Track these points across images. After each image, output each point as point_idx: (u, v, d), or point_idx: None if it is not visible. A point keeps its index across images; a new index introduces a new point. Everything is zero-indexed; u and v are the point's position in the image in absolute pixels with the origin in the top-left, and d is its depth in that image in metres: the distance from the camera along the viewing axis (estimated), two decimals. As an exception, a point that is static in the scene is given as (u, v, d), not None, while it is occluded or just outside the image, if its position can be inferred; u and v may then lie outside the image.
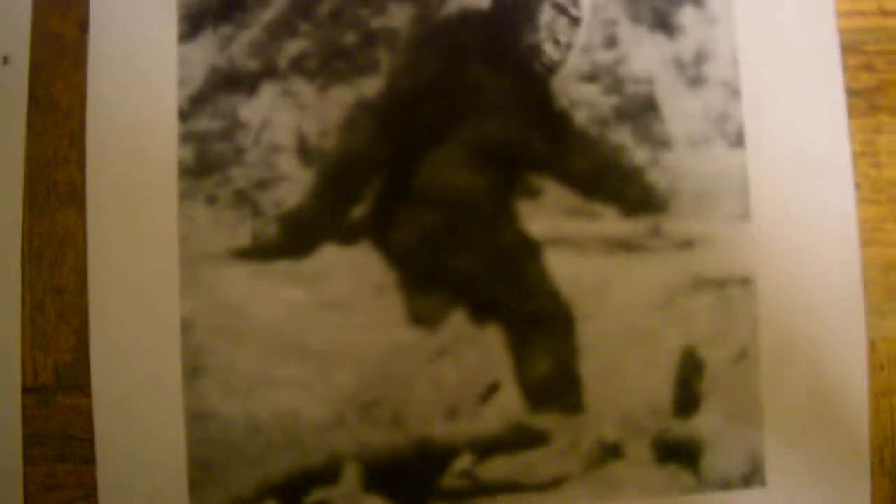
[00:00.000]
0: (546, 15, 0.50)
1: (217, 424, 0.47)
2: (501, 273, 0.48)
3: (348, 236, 0.48)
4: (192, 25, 0.50)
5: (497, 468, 0.47)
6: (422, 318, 0.48)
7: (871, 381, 0.48)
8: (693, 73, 0.50)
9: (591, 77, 0.50)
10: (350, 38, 0.50)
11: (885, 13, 0.51)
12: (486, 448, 0.47)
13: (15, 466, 0.46)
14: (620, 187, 0.49)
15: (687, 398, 0.48)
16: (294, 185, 0.49)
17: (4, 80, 0.50)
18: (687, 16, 0.50)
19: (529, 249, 0.48)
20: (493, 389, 0.48)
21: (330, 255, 0.48)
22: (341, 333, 0.48)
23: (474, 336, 0.48)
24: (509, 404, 0.48)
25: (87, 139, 0.49)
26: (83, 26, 0.50)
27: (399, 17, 0.50)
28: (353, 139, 0.49)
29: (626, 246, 0.48)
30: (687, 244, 0.48)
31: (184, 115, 0.49)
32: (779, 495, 0.48)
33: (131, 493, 0.47)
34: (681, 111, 0.50)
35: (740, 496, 0.48)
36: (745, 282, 0.48)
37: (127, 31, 0.50)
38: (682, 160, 0.49)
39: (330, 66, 0.50)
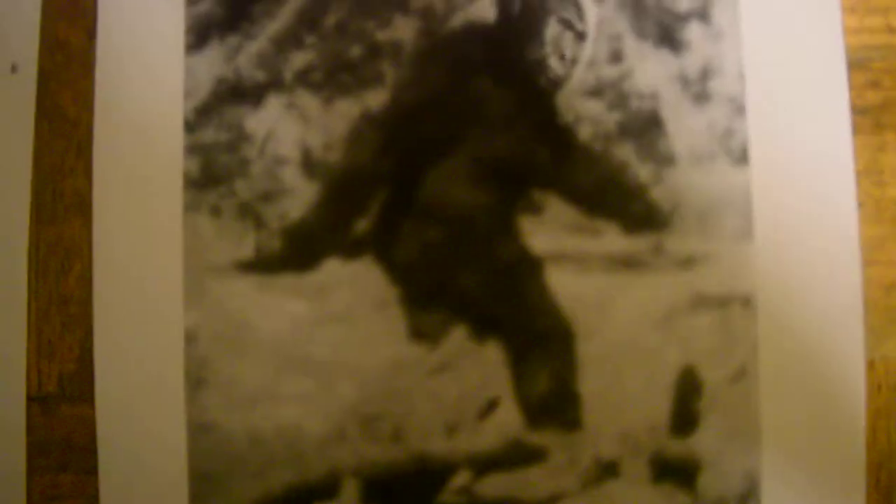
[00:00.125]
0: (552, 29, 0.49)
1: (219, 436, 0.46)
2: (502, 289, 0.47)
3: (351, 250, 0.47)
4: (199, 36, 0.49)
5: (495, 485, 0.46)
6: (423, 334, 0.47)
7: (868, 401, 0.47)
8: (698, 88, 0.49)
9: (595, 92, 0.48)
10: (355, 50, 0.49)
11: (892, 30, 0.49)
12: (485, 464, 0.46)
13: (18, 476, 0.46)
14: (623, 204, 0.47)
15: (685, 417, 0.47)
16: (298, 198, 0.48)
17: (12, 89, 0.49)
18: (693, 31, 0.49)
19: (531, 266, 0.47)
20: (492, 405, 0.47)
21: (333, 269, 0.47)
22: (343, 347, 0.47)
23: (474, 352, 0.47)
24: (508, 420, 0.47)
25: (94, 149, 0.48)
26: (91, 35, 0.50)
27: (404, 31, 0.49)
28: (357, 152, 0.48)
29: (628, 263, 0.47)
30: (688, 262, 0.47)
31: (190, 127, 0.48)
32: (775, 514, 0.47)
33: None
34: (685, 127, 0.48)
35: (737, 515, 0.47)
36: (746, 300, 0.47)
37: (135, 41, 0.49)
38: (686, 177, 0.48)
39: (335, 78, 0.49)
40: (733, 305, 0.47)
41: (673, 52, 0.49)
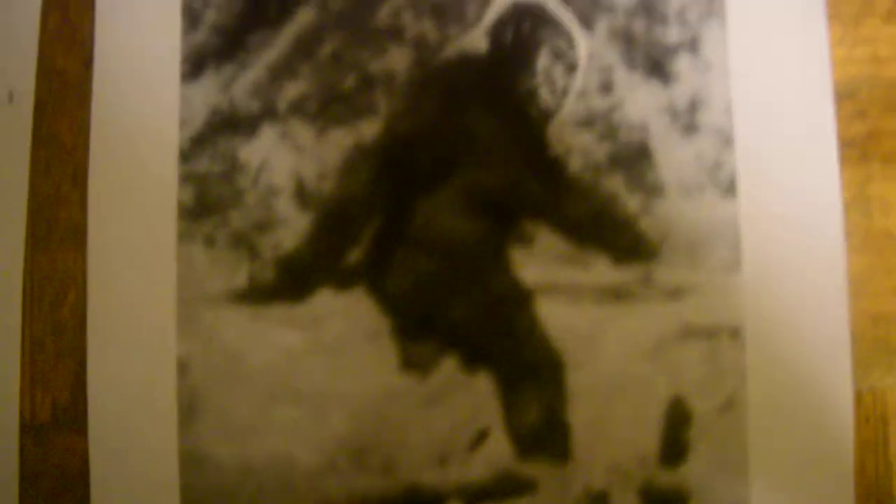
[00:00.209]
0: (543, 60, 0.49)
1: (211, 467, 0.46)
2: (493, 320, 0.47)
3: (344, 281, 0.47)
4: (194, 65, 0.49)
5: (485, 516, 0.46)
6: (414, 364, 0.46)
7: (856, 432, 0.46)
8: (687, 120, 0.48)
9: (586, 123, 0.48)
10: (349, 80, 0.49)
11: (880, 61, 0.49)
12: (475, 496, 0.46)
13: (11, 505, 0.45)
14: (613, 235, 0.47)
15: (674, 447, 0.46)
16: (291, 228, 0.47)
17: (9, 117, 0.49)
18: (682, 63, 0.49)
19: (521, 297, 0.47)
20: (482, 437, 0.46)
21: (325, 300, 0.47)
22: (335, 378, 0.47)
23: (465, 382, 0.47)
24: (498, 452, 0.46)
25: (90, 178, 0.48)
26: (88, 64, 0.49)
27: (398, 61, 0.49)
28: (350, 182, 0.48)
29: (617, 294, 0.47)
30: (677, 293, 0.47)
31: (184, 156, 0.48)
32: (763, 545, 0.46)
33: (126, 533, 0.46)
34: (674, 159, 0.48)
35: (725, 546, 0.46)
36: (735, 331, 0.47)
37: (131, 70, 0.49)
38: (675, 208, 0.47)
39: (329, 108, 0.48)
40: (722, 336, 0.47)
41: (662, 83, 0.49)
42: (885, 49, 0.50)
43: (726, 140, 0.49)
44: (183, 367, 0.47)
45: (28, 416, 0.47)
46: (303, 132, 0.49)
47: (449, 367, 0.47)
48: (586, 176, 0.48)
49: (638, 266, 0.48)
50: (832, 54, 0.49)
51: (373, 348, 0.47)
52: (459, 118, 0.49)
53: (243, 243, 0.48)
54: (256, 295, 0.47)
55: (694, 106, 0.49)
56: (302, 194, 0.48)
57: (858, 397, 0.47)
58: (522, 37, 0.49)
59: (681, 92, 0.49)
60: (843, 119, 0.49)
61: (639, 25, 0.49)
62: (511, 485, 0.47)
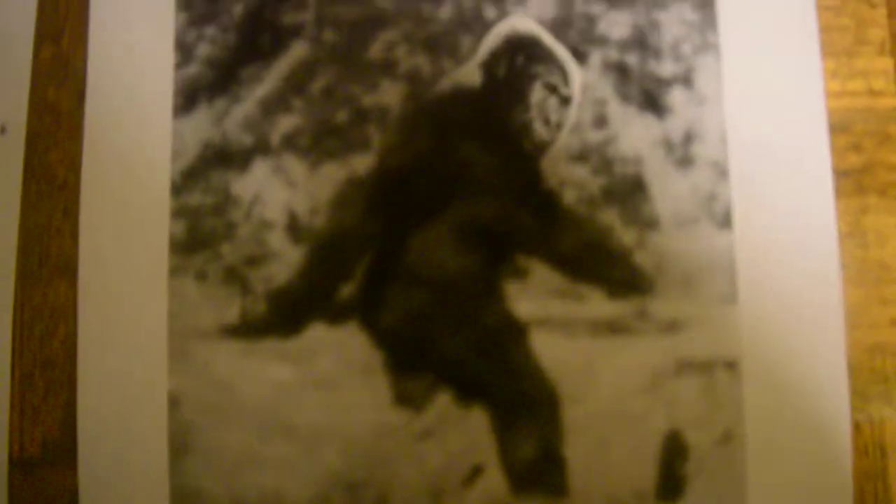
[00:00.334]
0: (537, 94, 0.54)
1: (202, 502, 0.50)
2: (487, 355, 0.51)
3: (336, 315, 0.51)
4: (187, 99, 0.54)
5: (480, 552, 0.50)
6: (407, 399, 0.51)
7: (855, 463, 0.50)
8: (681, 153, 0.53)
9: (580, 157, 0.53)
10: (342, 115, 0.53)
11: (873, 93, 0.54)
12: (469, 531, 0.50)
13: (-1, 542, 0.49)
14: (607, 269, 0.52)
15: (671, 481, 0.50)
16: (284, 263, 0.52)
17: (1, 150, 0.53)
18: (676, 96, 0.54)
19: (516, 331, 0.51)
20: (477, 472, 0.50)
21: (318, 334, 0.51)
22: (327, 413, 0.51)
23: (459, 418, 0.51)
24: (493, 487, 0.50)
25: (81, 211, 0.52)
26: (80, 98, 0.54)
27: (391, 95, 0.54)
28: (343, 216, 0.52)
29: (612, 328, 0.51)
30: (673, 326, 0.51)
31: (176, 190, 0.53)
32: (763, 580, 0.50)
33: (114, 570, 0.49)
34: (669, 192, 0.53)
35: (724, 581, 0.50)
36: (731, 364, 0.51)
37: (123, 104, 0.54)
38: (670, 241, 0.52)
39: (322, 142, 0.53)
40: (718, 369, 0.51)
41: (657, 116, 0.54)
42: (879, 82, 0.55)
43: (721, 172, 0.54)
44: (174, 402, 0.51)
45: (17, 450, 0.51)
46: (296, 166, 0.54)
47: (442, 401, 0.52)
48: (581, 209, 0.54)
49: (633, 299, 0.52)
50: (826, 87, 0.54)
51: (366, 383, 0.52)
52: (453, 152, 0.54)
53: (235, 277, 0.53)
54: (248, 329, 0.52)
55: (689, 139, 0.54)
56: (294, 228, 0.53)
57: (857, 428, 0.52)
58: (516, 70, 0.55)
59: (675, 125, 0.54)
60: (838, 151, 0.54)
61: (632, 59, 0.55)
62: (506, 520, 0.51)
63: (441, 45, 0.54)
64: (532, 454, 0.50)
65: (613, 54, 0.54)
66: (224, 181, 0.52)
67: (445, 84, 0.54)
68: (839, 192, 0.53)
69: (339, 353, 0.51)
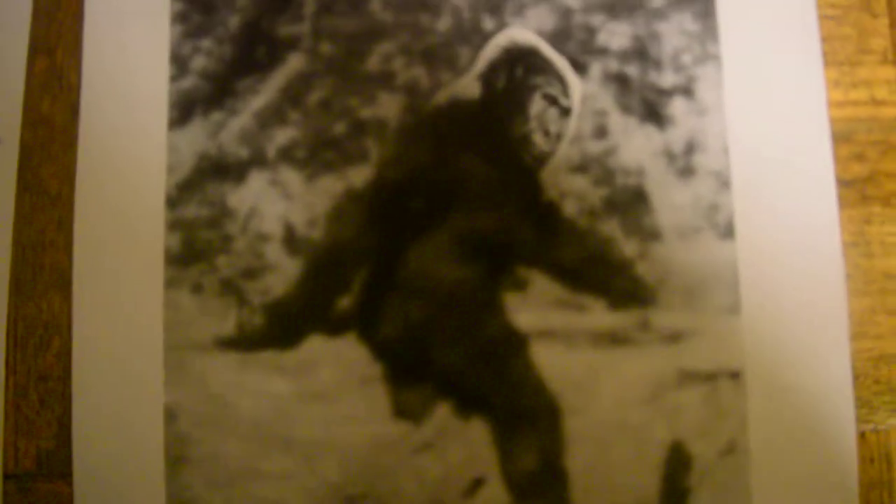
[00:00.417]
0: (536, 105, 0.58)
1: (199, 516, 0.54)
2: (487, 366, 0.55)
3: (334, 327, 0.56)
4: (182, 112, 0.58)
5: (481, 565, 0.54)
6: (407, 412, 0.55)
7: (861, 473, 0.54)
8: (683, 163, 0.58)
9: (580, 168, 0.57)
10: (339, 127, 0.58)
11: (876, 102, 0.59)
12: (470, 543, 0.54)
13: (-7, 555, 0.53)
14: (608, 279, 0.56)
15: (674, 493, 0.54)
16: (280, 275, 0.56)
17: None
18: (677, 106, 0.58)
19: (516, 342, 0.56)
20: (477, 484, 0.55)
21: (316, 347, 0.55)
22: (326, 426, 0.55)
23: (459, 430, 0.55)
24: (494, 499, 0.54)
25: (75, 224, 0.57)
26: (74, 110, 0.58)
27: (389, 107, 0.58)
28: (340, 229, 0.57)
29: (614, 339, 0.56)
30: (675, 337, 0.56)
31: (171, 202, 0.57)
32: None
33: (109, 587, 0.52)
34: (670, 202, 0.57)
35: None
36: (735, 374, 0.55)
37: (118, 116, 0.58)
38: (672, 252, 0.57)
39: (319, 155, 0.58)
40: (721, 380, 0.56)
41: (658, 127, 0.58)
42: (881, 91, 0.60)
43: (723, 183, 0.59)
44: (170, 415, 0.56)
45: (12, 464, 0.56)
46: (292, 179, 0.58)
47: (442, 413, 0.56)
48: (581, 221, 0.58)
49: (635, 310, 0.57)
50: (829, 96, 0.59)
51: (364, 395, 0.56)
52: (452, 164, 0.58)
53: (231, 290, 0.57)
54: (245, 342, 0.57)
55: (690, 149, 0.59)
56: (291, 241, 0.58)
57: (862, 438, 0.56)
58: (515, 82, 0.60)
59: (677, 135, 0.59)
60: (841, 161, 0.59)
61: (633, 70, 0.59)
62: (507, 533, 0.55)
63: (439, 57, 0.58)
64: (533, 466, 0.54)
65: (613, 65, 0.58)
66: (220, 194, 0.57)
67: (444, 96, 0.58)
68: (843, 202, 0.57)
69: (338, 366, 0.55)
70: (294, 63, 0.59)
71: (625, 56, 0.58)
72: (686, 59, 0.58)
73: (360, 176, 0.57)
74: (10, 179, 0.57)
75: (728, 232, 0.56)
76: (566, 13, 0.58)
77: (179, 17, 0.59)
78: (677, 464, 0.54)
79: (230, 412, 0.54)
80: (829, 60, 0.59)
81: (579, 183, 0.57)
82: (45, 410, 0.54)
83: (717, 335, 0.55)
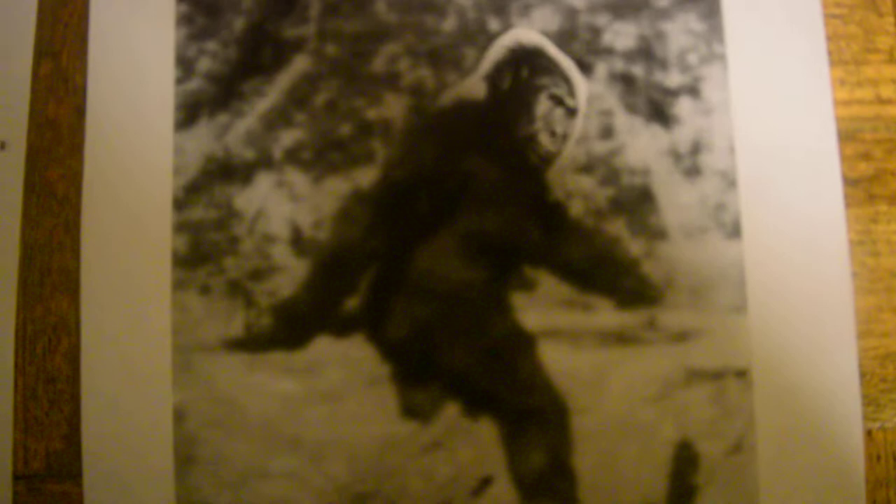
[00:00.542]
0: (542, 106, 0.60)
1: (208, 516, 0.56)
2: (495, 366, 0.57)
3: (342, 328, 0.57)
4: (188, 114, 0.60)
5: (489, 563, 0.55)
6: (415, 411, 0.56)
7: (868, 471, 0.56)
8: (689, 163, 0.59)
9: (586, 168, 0.59)
10: (345, 128, 0.59)
11: (882, 101, 0.60)
12: (479, 542, 0.55)
13: (4, 556, 0.55)
14: (615, 279, 0.58)
15: (682, 491, 0.56)
16: (288, 276, 0.58)
17: (1, 165, 0.59)
18: (683, 106, 0.60)
19: (523, 342, 0.57)
20: (486, 483, 0.56)
21: (323, 347, 0.57)
22: (334, 425, 0.56)
23: (467, 429, 0.56)
24: (502, 498, 0.56)
25: (82, 226, 0.58)
26: (80, 113, 0.60)
27: (395, 108, 0.59)
28: (347, 230, 0.59)
29: (621, 338, 0.57)
30: (682, 336, 0.57)
31: (178, 204, 0.59)
32: (777, 593, 0.54)
33: (118, 587, 0.54)
34: (677, 202, 0.59)
35: None
36: (742, 373, 0.57)
37: (124, 119, 0.59)
38: (678, 251, 0.58)
39: (325, 156, 0.59)
40: (728, 378, 0.57)
41: (664, 127, 0.60)
42: (888, 90, 0.62)
43: (730, 182, 0.60)
44: (179, 416, 0.57)
45: (21, 466, 0.58)
46: (299, 180, 0.60)
47: (450, 413, 0.58)
48: (588, 220, 0.60)
49: (642, 310, 0.59)
50: (835, 95, 0.60)
51: (372, 395, 0.58)
52: (458, 164, 0.60)
53: (239, 291, 0.59)
54: (253, 343, 0.58)
55: (696, 149, 0.60)
56: (298, 242, 0.60)
57: (869, 436, 0.57)
58: (521, 82, 0.61)
59: (683, 135, 0.61)
60: (847, 159, 0.61)
61: (638, 69, 0.61)
62: (516, 531, 0.57)
63: (445, 58, 0.60)
64: (541, 465, 0.56)
65: (619, 65, 0.60)
66: (227, 195, 0.58)
67: (449, 97, 0.59)
68: (849, 201, 0.59)
69: (346, 366, 0.56)
70: (299, 65, 0.60)
71: (630, 56, 0.60)
72: (692, 58, 0.60)
73: (366, 177, 0.58)
74: (17, 182, 0.59)
75: (734, 231, 0.58)
76: (571, 13, 0.60)
77: (184, 20, 0.60)
78: (685, 462, 0.55)
79: (238, 412, 0.55)
80: (835, 59, 0.60)
81: (585, 183, 0.58)
82: (54, 411, 0.56)
83: (724, 334, 0.56)
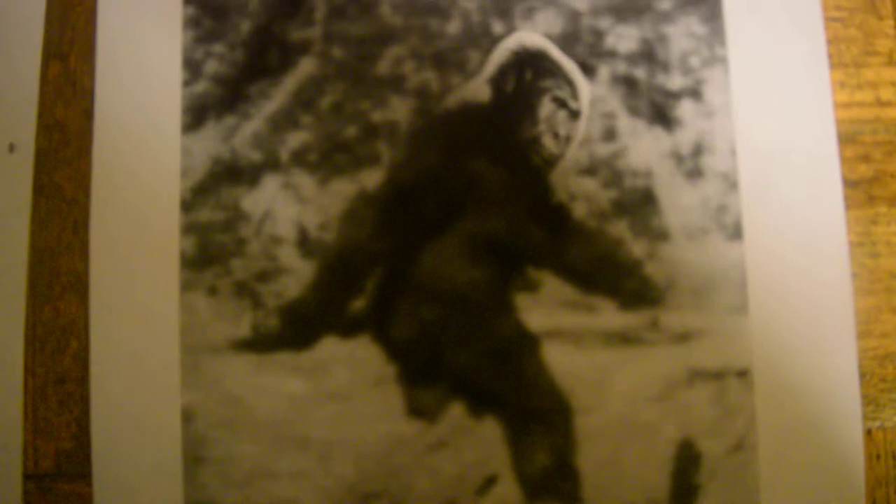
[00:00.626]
0: (546, 108, 0.61)
1: (217, 515, 0.57)
2: (499, 366, 0.58)
3: (348, 329, 0.58)
4: (195, 116, 0.61)
5: (495, 561, 0.56)
6: (420, 411, 0.58)
7: (868, 470, 0.57)
8: (691, 165, 0.60)
9: (589, 170, 0.60)
10: (351, 130, 0.60)
11: (882, 103, 0.61)
12: (484, 540, 0.57)
13: (14, 555, 0.56)
14: (618, 280, 0.59)
15: (684, 489, 0.57)
16: (294, 277, 0.59)
17: (9, 168, 0.60)
18: (685, 109, 0.61)
19: (527, 342, 0.58)
20: (490, 482, 0.57)
21: (330, 347, 0.58)
22: (341, 425, 0.57)
23: (472, 429, 0.57)
24: (507, 497, 0.57)
25: (91, 228, 0.59)
26: (88, 116, 0.61)
27: (400, 111, 0.60)
28: (353, 231, 0.60)
29: (624, 339, 0.58)
30: (684, 337, 0.58)
31: (186, 206, 0.60)
32: (778, 590, 0.55)
33: (127, 585, 0.55)
34: (679, 204, 0.60)
35: (739, 591, 0.55)
36: (743, 373, 0.58)
37: (132, 121, 0.60)
38: (680, 253, 0.59)
39: (331, 158, 0.60)
40: (730, 378, 0.58)
41: (666, 129, 0.61)
42: (887, 92, 0.63)
43: (731, 184, 0.61)
44: (188, 416, 0.58)
45: (31, 465, 0.59)
46: (305, 182, 0.61)
47: (456, 412, 0.59)
48: (591, 222, 0.61)
49: (644, 310, 0.60)
50: (835, 98, 0.61)
51: (379, 395, 0.59)
52: (462, 166, 0.61)
53: (246, 292, 0.60)
54: (260, 343, 0.59)
55: (698, 151, 0.61)
56: (305, 243, 0.61)
57: (868, 436, 0.59)
58: (524, 85, 0.62)
59: (685, 137, 0.62)
60: (847, 161, 0.62)
61: (641, 72, 0.62)
62: (520, 529, 0.58)
63: (449, 61, 0.61)
64: (545, 464, 0.57)
65: (622, 68, 0.61)
66: (234, 197, 0.59)
67: (454, 99, 0.60)
68: (849, 203, 0.60)
69: (352, 366, 0.57)
70: (305, 67, 0.61)
71: (633, 59, 0.61)
72: (693, 61, 0.61)
73: (372, 179, 0.59)
74: (25, 184, 0.60)
75: (736, 233, 0.59)
76: (574, 16, 0.61)
77: (192, 23, 0.61)
78: (687, 461, 0.56)
79: (246, 413, 0.57)
80: (835, 62, 0.61)
81: (588, 185, 0.59)
82: (64, 412, 0.57)
83: (726, 334, 0.58)
